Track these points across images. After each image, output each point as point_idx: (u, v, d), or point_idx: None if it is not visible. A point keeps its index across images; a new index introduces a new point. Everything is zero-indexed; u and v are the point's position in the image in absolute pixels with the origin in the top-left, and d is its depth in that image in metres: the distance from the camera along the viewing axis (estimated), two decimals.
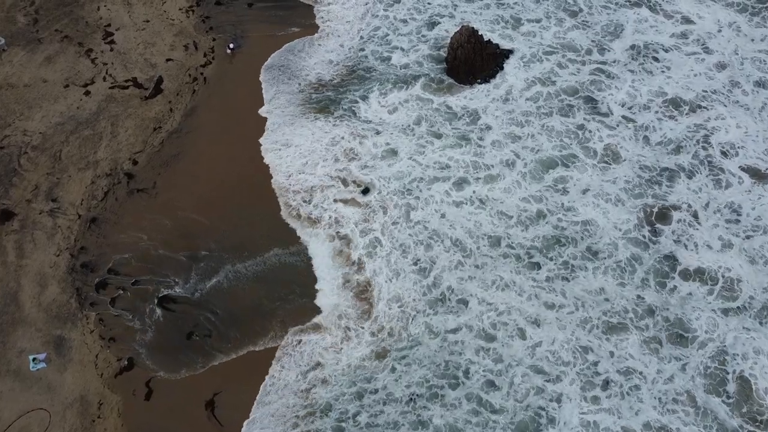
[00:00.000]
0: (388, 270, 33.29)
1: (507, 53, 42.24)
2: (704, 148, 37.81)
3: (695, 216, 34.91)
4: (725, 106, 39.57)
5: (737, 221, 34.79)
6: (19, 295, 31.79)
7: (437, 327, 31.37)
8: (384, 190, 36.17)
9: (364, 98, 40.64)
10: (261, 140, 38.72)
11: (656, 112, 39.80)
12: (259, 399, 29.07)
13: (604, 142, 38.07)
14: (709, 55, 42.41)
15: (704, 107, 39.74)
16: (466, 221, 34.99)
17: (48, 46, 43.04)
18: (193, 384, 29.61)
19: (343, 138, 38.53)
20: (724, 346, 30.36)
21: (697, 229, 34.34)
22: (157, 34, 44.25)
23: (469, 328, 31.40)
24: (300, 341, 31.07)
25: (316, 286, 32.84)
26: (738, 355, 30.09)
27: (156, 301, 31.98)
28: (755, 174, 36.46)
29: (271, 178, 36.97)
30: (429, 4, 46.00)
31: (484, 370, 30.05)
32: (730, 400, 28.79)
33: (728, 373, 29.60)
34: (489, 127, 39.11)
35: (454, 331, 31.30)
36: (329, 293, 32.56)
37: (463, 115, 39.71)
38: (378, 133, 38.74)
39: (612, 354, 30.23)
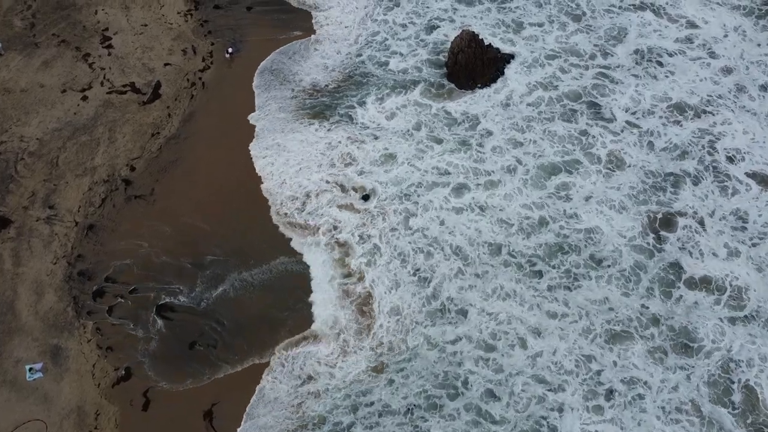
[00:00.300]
0: (387, 280, 33.49)
1: (508, 58, 42.60)
2: (710, 154, 38.13)
3: (701, 223, 35.19)
4: (732, 111, 39.89)
5: (744, 228, 35.06)
6: (16, 304, 32.20)
7: (437, 338, 31.59)
8: (383, 196, 36.49)
9: (362, 103, 40.95)
10: (250, 147, 38.91)
11: (661, 117, 40.12)
12: (249, 411, 29.32)
13: (607, 147, 38.41)
14: (714, 59, 42.73)
15: (710, 112, 40.08)
16: (466, 228, 35.28)
17: (45, 51, 43.58)
18: (192, 394, 29.92)
19: (339, 143, 38.82)
20: (731, 355, 30.63)
21: (703, 236, 34.61)
22: (155, 39, 44.78)
23: (469, 338, 31.63)
24: (294, 353, 31.19)
25: (311, 298, 32.99)
26: (743, 361, 30.40)
27: (156, 309, 32.27)
28: (762, 180, 36.71)
29: (262, 184, 37.08)
30: (428, 8, 46.36)
31: (484, 380, 30.30)
32: (736, 411, 29.03)
33: (733, 383, 29.88)
34: (490, 133, 39.45)
35: (454, 342, 31.51)
36: (326, 305, 32.73)
37: (464, 120, 40.03)
38: (376, 138, 39.08)
39: (616, 363, 30.50)
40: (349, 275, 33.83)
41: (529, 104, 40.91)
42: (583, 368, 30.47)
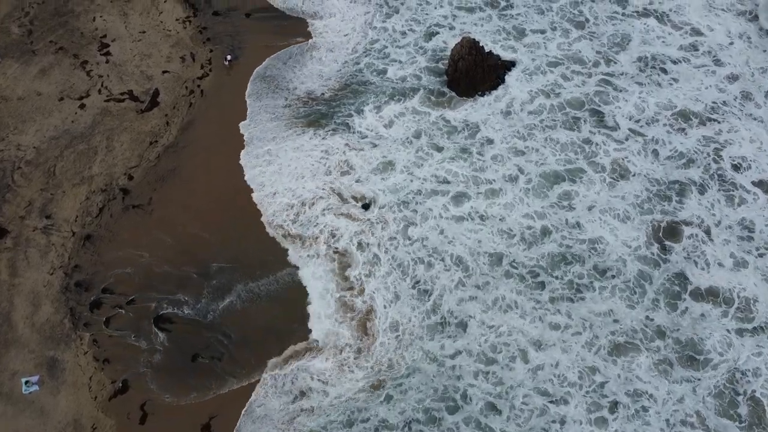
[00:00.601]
0: (387, 293, 33.75)
1: (509, 65, 43.06)
2: (715, 162, 38.45)
3: (707, 233, 35.47)
4: (738, 119, 40.22)
5: (750, 238, 35.34)
6: (12, 315, 32.64)
7: (436, 353, 31.83)
8: (382, 204, 36.84)
9: (359, 111, 41.34)
10: (241, 157, 39.13)
11: (665, 125, 40.48)
12: (239, 427, 29.60)
13: (611, 156, 38.77)
14: (720, 66, 43.10)
15: (715, 120, 40.42)
16: (467, 238, 35.59)
17: (42, 58, 44.23)
18: (189, 407, 30.26)
19: (336, 151, 39.19)
20: (738, 365, 30.93)
21: (709, 246, 34.87)
22: (153, 46, 45.41)
23: (469, 352, 31.86)
24: (287, 369, 31.35)
25: (309, 312, 33.25)
26: (749, 371, 30.69)
27: (157, 320, 32.63)
28: None
29: (253, 194, 37.30)
30: (428, 15, 46.81)
31: (484, 393, 30.57)
32: (743, 424, 29.26)
33: (739, 395, 30.14)
34: (490, 141, 39.83)
35: (454, 356, 31.75)
36: (323, 320, 32.92)
37: (464, 128, 40.42)
38: (375, 146, 39.48)
39: (620, 376, 30.77)
40: (348, 288, 34.07)
41: (530, 112, 41.30)
42: (586, 380, 30.73)
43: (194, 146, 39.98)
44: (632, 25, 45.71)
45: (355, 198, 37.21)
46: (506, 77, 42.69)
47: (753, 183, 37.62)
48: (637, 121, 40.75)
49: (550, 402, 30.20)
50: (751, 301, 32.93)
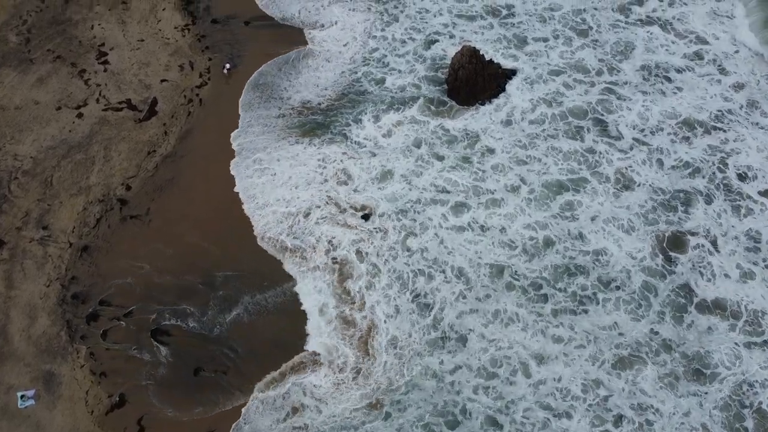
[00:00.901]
0: (387, 307, 33.96)
1: (510, 73, 43.57)
2: (721, 171, 38.81)
3: (713, 243, 35.73)
4: (745, 128, 40.61)
5: (757, 249, 35.65)
6: (8, 328, 33.06)
7: (436, 368, 32.05)
8: (381, 215, 37.22)
9: (357, 121, 41.81)
10: (231, 167, 39.47)
11: (669, 134, 40.89)
12: None
13: (615, 165, 39.16)
14: (725, 75, 43.53)
15: (721, 129, 40.80)
16: (467, 250, 35.93)
17: (40, 67, 44.95)
18: (188, 422, 30.54)
19: (334, 160, 39.61)
20: (746, 378, 31.18)
21: (715, 257, 35.14)
22: (151, 54, 46.10)
23: (469, 366, 32.08)
24: (281, 385, 31.50)
25: (306, 327, 33.48)
26: (757, 382, 30.96)
27: (154, 332, 32.94)
28: None
29: (243, 206, 37.55)
30: (427, 23, 47.38)
31: (484, 408, 30.80)
32: None
33: (746, 407, 30.39)
34: (491, 150, 40.26)
35: (453, 371, 31.99)
36: (320, 335, 33.13)
37: (464, 137, 40.86)
38: (374, 155, 39.95)
39: (624, 390, 31.03)
40: (348, 302, 34.29)
41: (532, 121, 41.75)
42: (590, 393, 30.98)
43: (193, 156, 40.50)
44: (635, 33, 46.25)
45: (354, 207, 37.58)
46: (507, 86, 43.16)
47: (759, 193, 37.97)
48: (641, 131, 41.16)
49: (553, 416, 30.46)
50: (760, 314, 33.16)
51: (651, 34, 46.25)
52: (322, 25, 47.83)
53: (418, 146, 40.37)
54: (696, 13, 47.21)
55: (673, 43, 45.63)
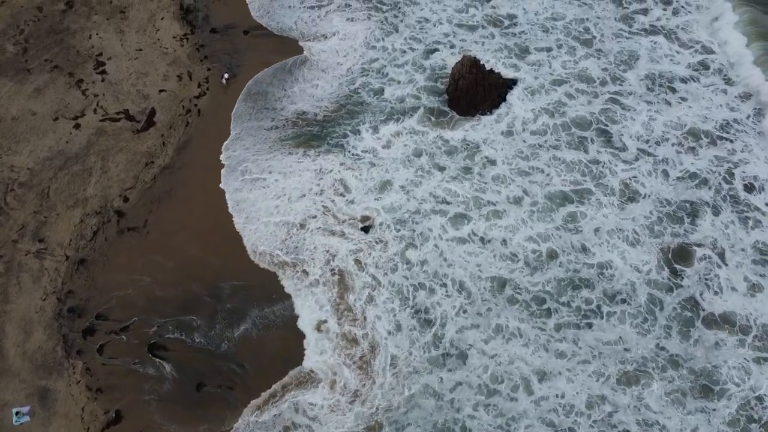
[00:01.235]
0: (388, 324, 34.15)
1: (511, 83, 44.16)
2: (727, 182, 39.23)
3: (721, 256, 36.06)
4: (752, 138, 41.06)
5: (765, 262, 35.88)
6: (3, 343, 33.42)
7: (436, 386, 32.25)
8: (381, 226, 37.62)
9: (356, 132, 42.34)
10: (221, 180, 39.79)
11: (674, 144, 41.35)
12: None
13: (619, 177, 39.59)
14: (730, 85, 44.09)
15: (727, 139, 41.26)
16: (468, 263, 36.27)
17: (37, 77, 45.68)
18: None
19: (330, 170, 40.04)
20: (756, 394, 31.35)
21: (723, 270, 35.43)
22: (150, 64, 46.85)
23: (469, 384, 32.29)
24: (275, 402, 31.57)
25: (304, 344, 33.61)
26: (766, 396, 31.13)
27: (152, 346, 33.21)
28: None
29: (234, 219, 37.80)
30: (427, 33, 48.06)
31: (484, 425, 30.95)
32: None
33: (754, 422, 30.58)
34: (492, 161, 40.74)
35: (453, 388, 32.19)
36: (317, 353, 33.28)
37: (464, 148, 41.35)
38: (373, 165, 40.45)
39: (630, 406, 31.23)
40: (347, 318, 34.46)
41: (533, 132, 42.27)
42: (595, 410, 31.18)
43: (191, 167, 41.02)
44: (639, 43, 46.89)
45: (353, 218, 38.02)
46: (508, 96, 43.74)
47: (767, 204, 38.44)
48: (646, 141, 41.63)
49: None
50: None
51: (655, 43, 46.88)
52: (322, 36, 48.49)
53: (418, 157, 40.85)
54: (700, 21, 47.99)
55: (677, 52, 46.27)
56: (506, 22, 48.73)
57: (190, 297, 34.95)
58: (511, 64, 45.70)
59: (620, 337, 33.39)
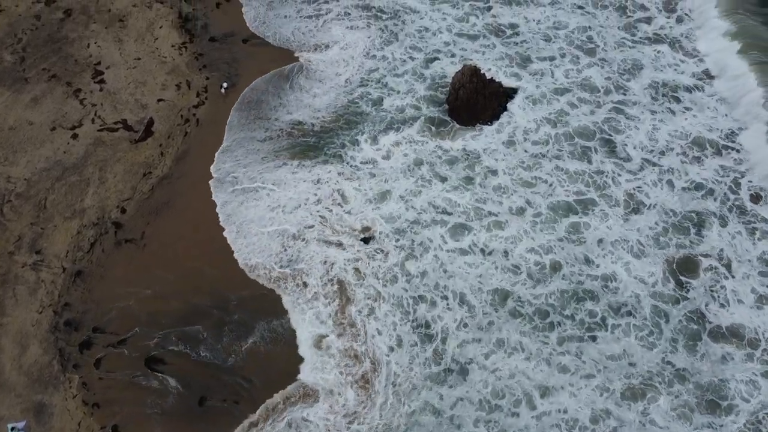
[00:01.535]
0: (389, 339, 34.32)
1: (512, 92, 44.68)
2: (733, 192, 39.59)
3: (728, 267, 36.30)
4: (757, 147, 41.41)
5: None
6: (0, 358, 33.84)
7: (436, 403, 32.41)
8: (381, 237, 37.97)
9: (354, 142, 42.81)
10: (212, 193, 40.12)
11: (678, 154, 41.75)
12: None
13: (623, 187, 39.96)
14: (735, 94, 44.48)
15: (733, 148, 41.72)
16: (469, 274, 36.58)
17: (35, 86, 46.33)
18: None
19: (328, 180, 40.44)
20: (766, 410, 31.48)
21: (730, 282, 35.67)
22: (148, 73, 47.48)
23: (470, 399, 32.47)
24: (273, 421, 31.61)
25: (300, 355, 33.71)
26: None
27: (154, 360, 33.46)
28: None
29: (225, 232, 38.04)
30: (427, 42, 48.66)
31: None
32: None
33: None
34: (494, 171, 41.16)
35: (454, 405, 32.35)
36: (317, 369, 33.44)
37: (465, 158, 41.81)
38: (372, 176, 40.87)
39: (635, 421, 31.38)
40: (346, 335, 34.60)
41: (535, 141, 42.73)
42: (600, 425, 31.28)
43: (189, 177, 41.50)
44: (642, 52, 47.46)
45: (352, 229, 38.35)
46: (509, 105, 44.23)
47: None
48: (651, 151, 42.03)
49: None
50: None
51: (659, 52, 47.47)
52: (321, 46, 48.94)
53: (419, 166, 41.31)
54: (701, 30, 48.54)
55: (681, 61, 46.83)
56: (508, 32, 49.36)
57: (191, 309, 35.30)
58: (512, 73, 46.26)
59: (625, 351, 33.62)
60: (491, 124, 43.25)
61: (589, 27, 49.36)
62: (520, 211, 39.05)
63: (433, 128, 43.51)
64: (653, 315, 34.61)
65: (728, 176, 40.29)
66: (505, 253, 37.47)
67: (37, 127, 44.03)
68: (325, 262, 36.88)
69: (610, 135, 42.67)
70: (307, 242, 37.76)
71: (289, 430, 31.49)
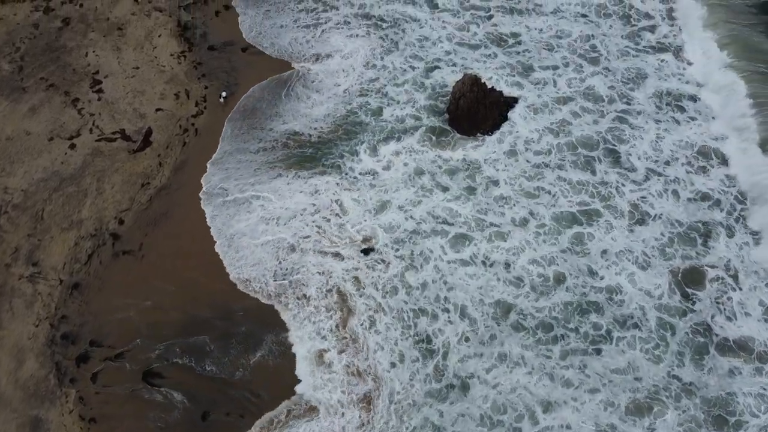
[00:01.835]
0: (391, 355, 34.37)
1: (513, 101, 45.07)
2: (740, 201, 39.88)
3: (734, 278, 36.50)
4: (764, 157, 41.81)
5: None
6: None
7: (436, 420, 32.51)
8: (381, 248, 38.24)
9: (354, 153, 43.12)
10: (202, 204, 40.45)
11: (684, 164, 42.05)
12: None
13: (627, 197, 40.23)
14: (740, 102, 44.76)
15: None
16: (470, 286, 36.78)
17: (33, 96, 46.93)
18: None
19: (327, 191, 40.79)
20: None
21: (737, 294, 35.84)
22: (147, 82, 48.06)
23: (471, 416, 32.58)
24: None
25: (297, 373, 33.86)
26: None
27: (148, 373, 33.68)
28: None
29: (216, 244, 38.27)
30: (427, 51, 49.09)
31: None
32: None
33: None
34: (495, 181, 41.48)
35: (455, 421, 32.47)
36: (317, 386, 33.57)
37: (466, 167, 42.15)
38: (372, 186, 41.23)
39: None
40: (344, 349, 34.66)
41: (537, 151, 43.02)
42: None
43: (188, 188, 41.91)
44: (646, 61, 47.83)
45: (352, 240, 38.64)
46: (510, 114, 44.60)
47: None
48: (655, 161, 42.32)
49: None
50: None
51: (663, 61, 47.84)
52: (319, 56, 49.25)
53: (419, 176, 41.66)
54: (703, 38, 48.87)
55: (685, 70, 47.27)
56: (510, 41, 49.79)
57: (192, 320, 35.52)
58: (513, 82, 46.63)
59: (630, 364, 33.75)
60: (492, 134, 43.60)
61: (593, 35, 49.74)
62: (523, 222, 39.36)
63: (434, 138, 43.89)
64: (659, 327, 34.78)
65: (735, 186, 40.55)
66: (507, 264, 37.72)
67: (34, 137, 44.56)
68: (323, 272, 37.10)
69: (614, 145, 43.03)
70: (304, 253, 37.99)
71: None
